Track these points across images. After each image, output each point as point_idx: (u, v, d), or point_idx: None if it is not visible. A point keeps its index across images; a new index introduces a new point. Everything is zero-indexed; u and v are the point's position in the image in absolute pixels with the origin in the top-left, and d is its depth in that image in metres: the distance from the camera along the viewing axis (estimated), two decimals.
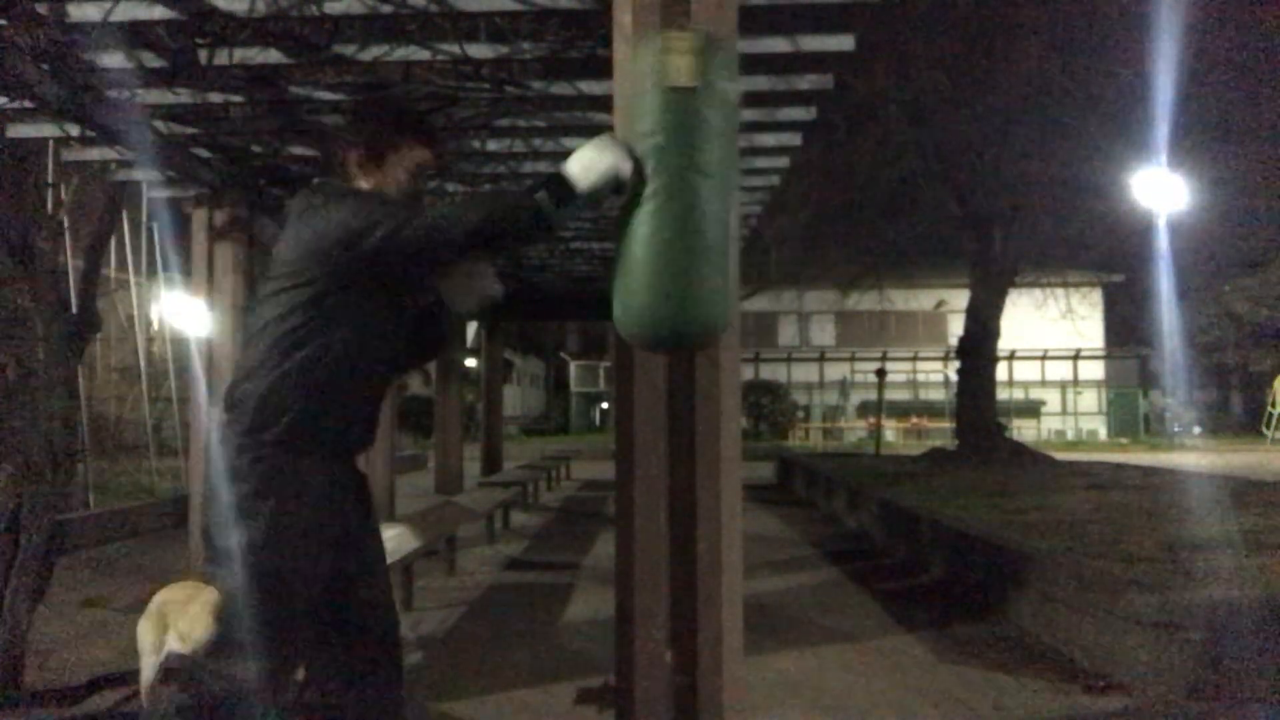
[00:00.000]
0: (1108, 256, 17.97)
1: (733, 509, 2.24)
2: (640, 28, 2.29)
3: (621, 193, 1.88)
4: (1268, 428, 23.12)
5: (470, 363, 19.16)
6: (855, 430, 26.25)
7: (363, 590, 2.11)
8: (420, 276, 2.13)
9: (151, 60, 3.79)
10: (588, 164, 1.85)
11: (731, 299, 1.89)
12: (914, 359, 26.85)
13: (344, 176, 2.14)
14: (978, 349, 12.04)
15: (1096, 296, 26.47)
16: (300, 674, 2.15)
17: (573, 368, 36.38)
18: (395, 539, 4.97)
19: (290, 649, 2.00)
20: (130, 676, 3.42)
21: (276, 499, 1.95)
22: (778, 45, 3.79)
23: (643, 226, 1.81)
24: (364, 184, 2.11)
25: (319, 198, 2.03)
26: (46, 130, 4.38)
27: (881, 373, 16.70)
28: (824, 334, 28.98)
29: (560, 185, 1.86)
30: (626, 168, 1.83)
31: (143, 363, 10.41)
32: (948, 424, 21.51)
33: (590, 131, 4.91)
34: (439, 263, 2.07)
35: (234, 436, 1.98)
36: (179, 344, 10.44)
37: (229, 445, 1.99)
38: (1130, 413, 27.15)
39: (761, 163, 5.57)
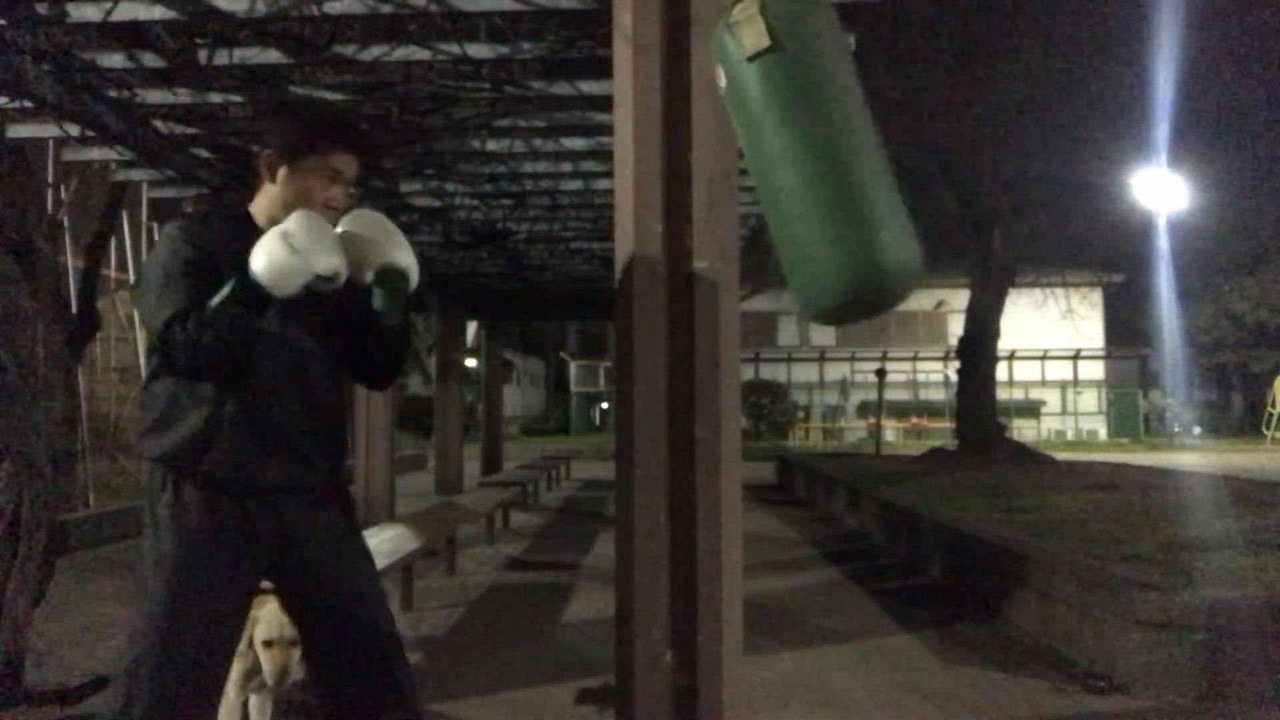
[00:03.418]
0: (1108, 256, 17.98)
1: (733, 509, 2.24)
2: (640, 28, 2.29)
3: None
4: (1268, 428, 23.12)
5: (470, 363, 19.17)
6: (855, 430, 26.25)
7: (336, 625, 1.98)
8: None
9: (151, 60, 3.79)
10: (277, 264, 1.73)
11: (911, 232, 1.62)
12: (914, 359, 26.86)
13: (259, 177, 2.03)
14: (978, 349, 12.04)
15: (1096, 296, 26.48)
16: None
17: (573, 368, 36.37)
18: (395, 539, 4.98)
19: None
20: None
21: (148, 528, 1.88)
22: None
23: (792, 191, 1.62)
24: (270, 186, 2.00)
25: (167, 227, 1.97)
26: (46, 130, 4.38)
27: (881, 373, 16.70)
28: (824, 334, 28.97)
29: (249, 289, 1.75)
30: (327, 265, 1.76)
31: (143, 363, 10.41)
32: (948, 424, 21.52)
33: (590, 131, 4.91)
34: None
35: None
36: None
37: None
38: (1130, 413, 27.15)
39: None
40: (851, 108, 1.66)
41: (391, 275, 1.92)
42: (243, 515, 1.88)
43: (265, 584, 2.01)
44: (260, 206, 2.01)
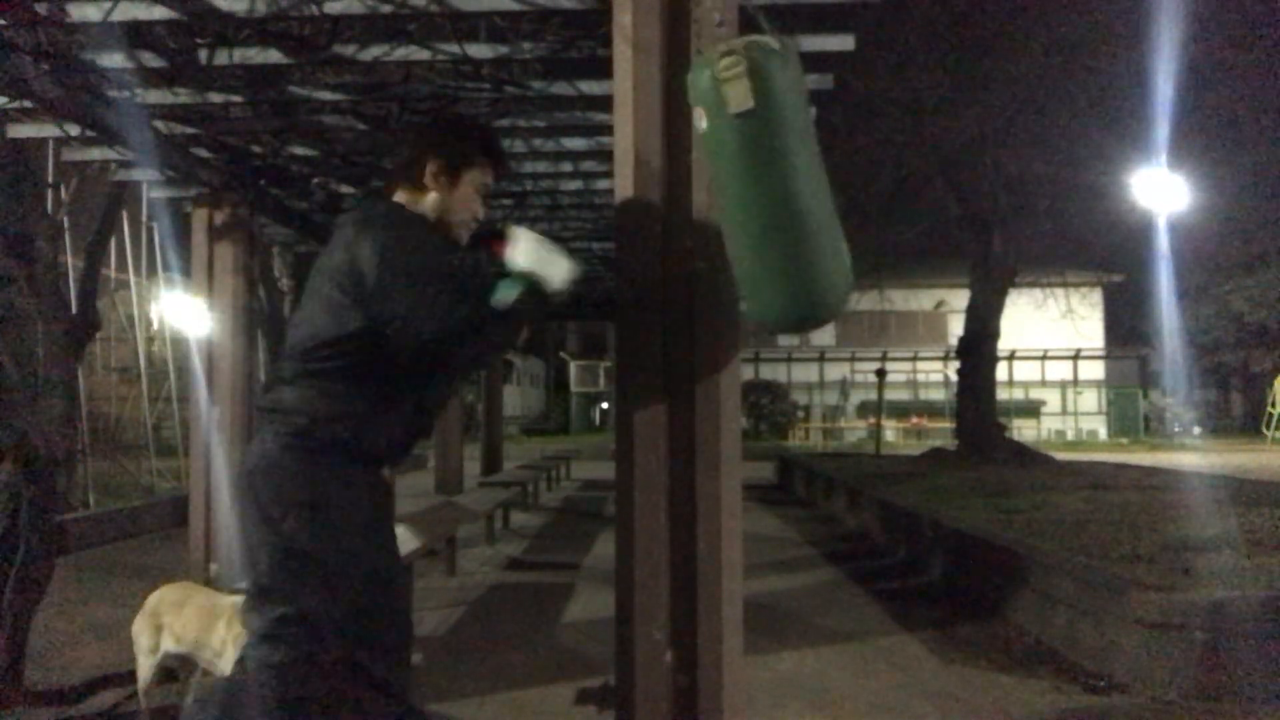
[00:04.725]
0: (1108, 256, 17.98)
1: (733, 509, 2.24)
2: (640, 28, 2.29)
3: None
4: (1268, 428, 23.11)
5: None
6: (855, 430, 26.25)
7: (390, 593, 2.13)
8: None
9: (151, 60, 3.79)
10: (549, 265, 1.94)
11: (849, 270, 2.02)
12: (914, 359, 26.86)
13: (411, 180, 2.10)
14: (978, 349, 12.03)
15: (1096, 296, 26.47)
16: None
17: (573, 368, 36.36)
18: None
19: (347, 644, 1.98)
20: (130, 676, 3.42)
21: (325, 502, 1.94)
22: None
23: (753, 232, 1.92)
24: (432, 194, 2.09)
25: (375, 217, 2.01)
26: (46, 130, 4.38)
27: (881, 373, 16.69)
28: (824, 334, 28.95)
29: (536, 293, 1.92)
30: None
31: (143, 363, 10.41)
32: (948, 424, 21.51)
33: (590, 131, 4.91)
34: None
35: (279, 437, 1.96)
36: (179, 344, 10.44)
37: (273, 444, 1.96)
38: (1130, 413, 27.14)
39: None
40: (811, 161, 1.92)
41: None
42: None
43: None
44: (424, 210, 2.11)
